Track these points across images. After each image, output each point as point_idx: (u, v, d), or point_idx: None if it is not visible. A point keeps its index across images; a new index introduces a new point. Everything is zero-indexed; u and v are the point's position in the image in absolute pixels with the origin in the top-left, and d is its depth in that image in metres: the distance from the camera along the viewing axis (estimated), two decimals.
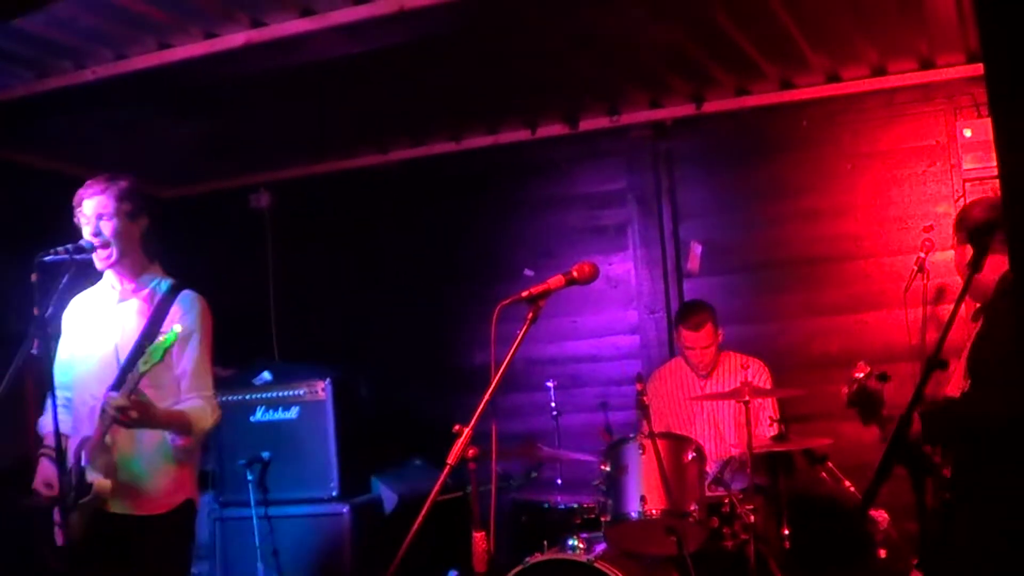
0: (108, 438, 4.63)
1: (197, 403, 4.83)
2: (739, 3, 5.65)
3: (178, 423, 4.76)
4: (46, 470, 4.80)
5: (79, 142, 7.10)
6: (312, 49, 5.50)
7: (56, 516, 4.70)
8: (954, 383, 4.33)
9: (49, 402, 4.59)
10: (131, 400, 4.45)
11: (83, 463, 4.65)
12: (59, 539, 4.68)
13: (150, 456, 4.78)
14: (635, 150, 7.65)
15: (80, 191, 4.82)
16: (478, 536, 3.70)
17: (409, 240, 8.25)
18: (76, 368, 4.95)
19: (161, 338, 4.46)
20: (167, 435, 4.79)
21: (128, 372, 4.63)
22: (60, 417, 4.75)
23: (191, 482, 4.96)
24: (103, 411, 4.53)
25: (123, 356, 4.78)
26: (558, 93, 7.14)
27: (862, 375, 4.66)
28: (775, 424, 5.91)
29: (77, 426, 4.85)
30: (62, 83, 5.90)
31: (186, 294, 4.94)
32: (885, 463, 3.48)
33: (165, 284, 4.96)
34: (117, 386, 4.61)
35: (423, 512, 3.51)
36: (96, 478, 4.63)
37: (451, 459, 3.56)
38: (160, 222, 4.99)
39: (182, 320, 4.80)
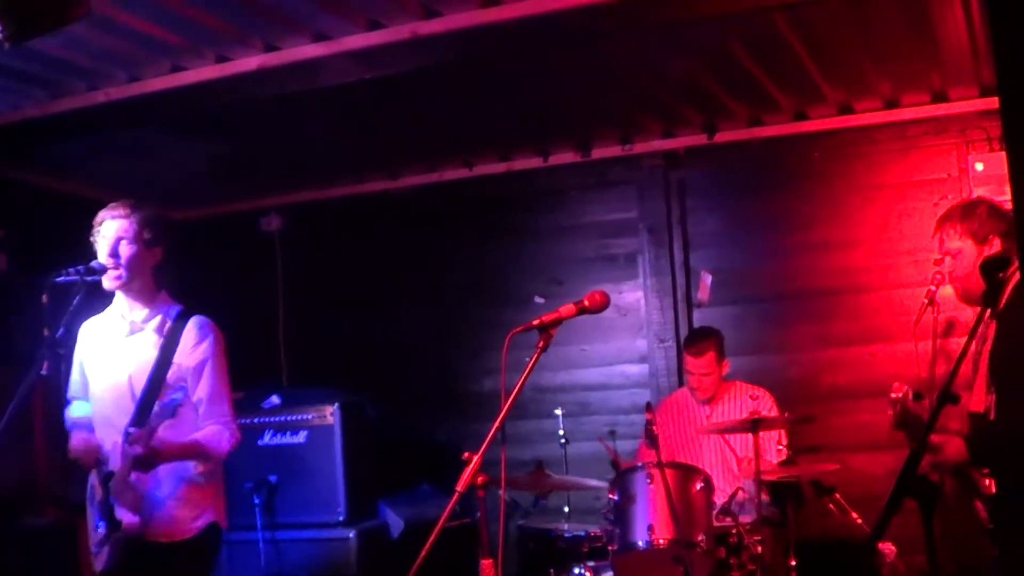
0: (133, 476, 4.64)
1: (213, 428, 4.84)
2: (754, 35, 5.66)
3: (195, 453, 4.80)
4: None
5: (91, 163, 7.11)
6: (325, 74, 5.50)
7: (92, 541, 4.74)
8: (976, 397, 4.30)
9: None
10: (149, 451, 4.48)
11: (111, 498, 4.65)
12: (97, 564, 4.70)
13: (172, 484, 4.79)
14: (647, 179, 7.65)
15: (103, 211, 4.80)
16: (486, 563, 3.68)
17: (418, 266, 8.25)
18: (92, 399, 4.96)
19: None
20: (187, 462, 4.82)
21: (145, 407, 4.66)
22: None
23: (216, 503, 4.95)
24: (125, 454, 4.55)
25: (138, 388, 4.78)
26: (571, 121, 7.16)
27: (899, 395, 4.64)
28: (783, 450, 5.89)
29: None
30: (75, 104, 5.90)
31: (197, 320, 4.93)
32: (896, 496, 3.45)
33: (174, 312, 4.94)
34: (135, 422, 4.63)
35: (432, 538, 3.49)
36: (126, 516, 4.64)
37: (460, 486, 3.55)
38: (174, 247, 4.99)
39: (195, 349, 4.84)
